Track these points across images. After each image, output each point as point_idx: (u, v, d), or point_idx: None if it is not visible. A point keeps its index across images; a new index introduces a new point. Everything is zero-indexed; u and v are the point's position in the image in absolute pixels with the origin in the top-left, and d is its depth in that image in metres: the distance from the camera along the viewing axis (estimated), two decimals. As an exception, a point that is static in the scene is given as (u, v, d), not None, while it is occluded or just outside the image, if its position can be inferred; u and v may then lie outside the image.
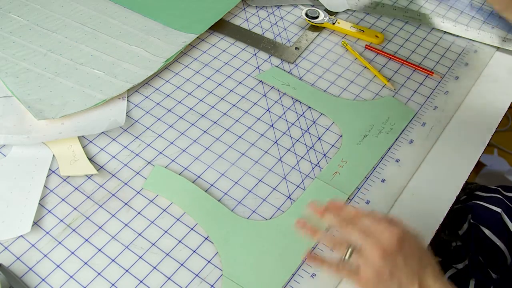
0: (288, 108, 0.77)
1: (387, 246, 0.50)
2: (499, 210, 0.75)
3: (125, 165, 0.69)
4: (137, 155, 0.70)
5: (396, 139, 0.74)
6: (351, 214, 0.55)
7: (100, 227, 0.62)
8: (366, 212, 0.55)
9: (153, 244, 0.61)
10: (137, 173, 0.68)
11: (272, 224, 0.64)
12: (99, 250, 0.61)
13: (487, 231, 0.74)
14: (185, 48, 0.83)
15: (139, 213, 0.64)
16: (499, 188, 0.80)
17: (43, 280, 0.58)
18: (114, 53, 0.81)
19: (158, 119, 0.74)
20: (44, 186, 0.66)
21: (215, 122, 0.74)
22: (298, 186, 0.68)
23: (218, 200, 0.66)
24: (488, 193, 0.79)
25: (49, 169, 0.67)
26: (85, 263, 0.59)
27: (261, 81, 0.80)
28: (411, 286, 0.50)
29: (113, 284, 0.58)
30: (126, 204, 0.65)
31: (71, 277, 0.58)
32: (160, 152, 0.70)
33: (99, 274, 0.59)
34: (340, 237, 0.54)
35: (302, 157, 0.71)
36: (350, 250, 0.52)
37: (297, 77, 0.81)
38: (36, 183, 0.65)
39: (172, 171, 0.68)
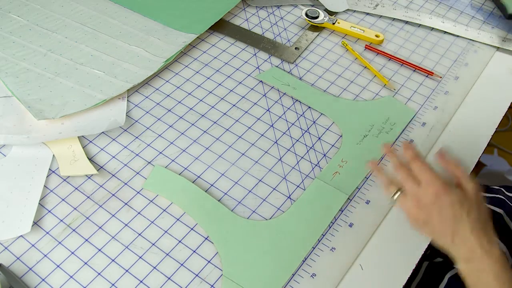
0: (288, 108, 0.77)
1: (423, 200, 0.55)
2: (501, 211, 0.75)
3: (125, 165, 0.69)
4: (137, 155, 0.70)
5: (396, 139, 0.74)
6: (406, 154, 0.59)
7: (100, 227, 0.62)
8: (415, 157, 0.58)
9: (153, 244, 0.61)
10: (137, 173, 0.68)
11: (272, 224, 0.64)
12: (99, 250, 0.61)
13: None
14: (185, 48, 0.83)
15: (139, 213, 0.64)
16: (501, 189, 0.80)
17: (43, 280, 0.58)
18: (114, 53, 0.81)
19: (158, 119, 0.74)
20: (44, 186, 0.66)
21: (215, 122, 0.74)
22: (298, 186, 0.68)
23: (218, 200, 0.66)
24: (490, 194, 0.79)
25: (49, 169, 0.67)
26: (85, 263, 0.59)
27: (261, 81, 0.80)
28: (444, 236, 0.54)
29: (113, 284, 0.58)
30: (126, 204, 0.65)
31: (71, 277, 0.58)
32: (160, 152, 0.70)
33: (99, 274, 0.59)
34: (393, 179, 0.59)
35: (302, 157, 0.71)
36: (398, 191, 0.58)
37: (297, 77, 0.81)
38: (36, 183, 0.65)
39: (172, 171, 0.68)
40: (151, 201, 0.65)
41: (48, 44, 0.81)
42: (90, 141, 0.71)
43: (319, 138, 0.73)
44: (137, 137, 0.72)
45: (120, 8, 0.89)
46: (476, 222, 0.54)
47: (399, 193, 0.58)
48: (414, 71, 0.83)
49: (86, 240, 0.61)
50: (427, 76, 0.83)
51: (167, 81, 0.79)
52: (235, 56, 0.84)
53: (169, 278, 0.59)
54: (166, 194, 0.65)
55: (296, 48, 0.86)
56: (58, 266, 0.59)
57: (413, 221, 0.57)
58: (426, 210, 0.55)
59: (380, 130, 0.74)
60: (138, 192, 0.66)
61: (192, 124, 0.74)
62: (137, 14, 0.88)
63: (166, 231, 0.63)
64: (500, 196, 0.77)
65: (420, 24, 0.92)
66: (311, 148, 0.72)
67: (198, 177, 0.68)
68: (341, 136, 0.74)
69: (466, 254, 0.53)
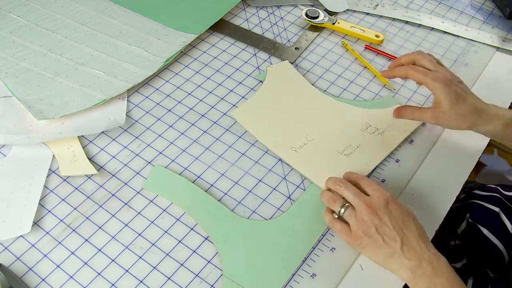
0: (288, 108, 0.77)
1: (375, 205, 0.57)
2: (497, 209, 0.75)
3: (125, 165, 0.69)
4: (137, 155, 0.70)
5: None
6: (351, 178, 0.63)
7: (100, 227, 0.62)
8: (361, 176, 0.63)
9: (153, 244, 0.61)
10: (137, 173, 0.68)
11: (272, 224, 0.64)
12: (99, 250, 0.61)
13: (485, 230, 0.74)
14: (185, 48, 0.83)
15: (139, 213, 0.64)
16: (498, 187, 0.80)
17: (43, 280, 0.58)
18: (114, 53, 0.81)
19: (158, 119, 0.74)
20: (44, 186, 0.66)
21: (215, 122, 0.74)
22: (298, 186, 0.68)
23: (218, 200, 0.66)
24: (487, 192, 0.79)
25: (49, 169, 0.67)
26: (85, 263, 0.59)
27: (261, 81, 0.80)
28: (394, 242, 0.56)
29: (113, 284, 0.58)
30: (126, 204, 0.65)
31: (71, 277, 0.58)
32: (160, 152, 0.70)
33: (99, 274, 0.59)
34: (335, 196, 0.61)
35: (302, 157, 0.71)
36: (344, 206, 0.59)
37: (297, 77, 0.81)
38: (36, 183, 0.66)
39: (172, 171, 0.68)
40: (151, 201, 0.65)
41: (48, 44, 0.81)
42: (90, 141, 0.71)
43: (319, 138, 0.73)
44: (137, 137, 0.72)
45: (120, 8, 0.89)
46: (421, 229, 0.58)
47: (345, 206, 0.60)
48: (414, 71, 0.83)
49: (86, 240, 0.61)
50: (427, 76, 0.83)
51: (167, 81, 0.79)
52: (235, 56, 0.84)
53: (169, 278, 0.59)
54: (166, 194, 0.65)
55: (296, 48, 0.86)
56: (58, 266, 0.59)
57: (361, 232, 0.57)
58: (379, 217, 0.57)
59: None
60: (138, 192, 0.66)
61: (192, 124, 0.74)
62: (137, 14, 0.88)
63: (166, 231, 0.63)
64: (496, 195, 0.78)
65: (420, 24, 0.92)
66: (311, 148, 0.72)
67: (198, 177, 0.68)
68: (341, 136, 0.74)
69: (415, 261, 0.55)
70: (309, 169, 0.68)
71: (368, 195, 0.59)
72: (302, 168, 0.68)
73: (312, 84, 0.80)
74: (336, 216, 0.60)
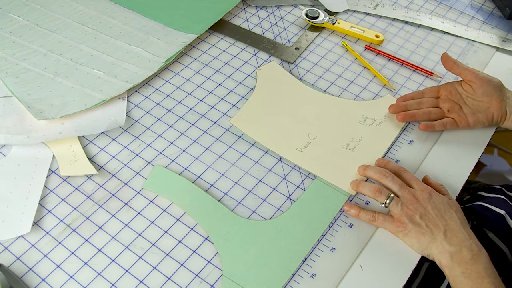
0: (288, 108, 0.77)
1: (419, 196, 0.62)
2: (503, 212, 0.75)
3: (125, 165, 0.69)
4: (137, 155, 0.70)
5: (396, 139, 0.74)
6: (393, 169, 0.66)
7: (100, 227, 0.62)
8: (402, 169, 0.66)
9: (153, 244, 0.61)
10: (137, 173, 0.68)
11: (272, 224, 0.64)
12: (99, 250, 0.61)
13: (490, 234, 0.74)
14: (185, 48, 0.83)
15: (139, 213, 0.64)
16: (502, 188, 0.79)
17: (43, 280, 0.58)
18: (114, 53, 0.81)
19: (158, 119, 0.74)
20: (44, 186, 0.66)
21: (215, 122, 0.74)
22: (298, 186, 0.68)
23: (218, 200, 0.66)
24: (492, 193, 0.79)
25: (49, 169, 0.67)
26: (85, 263, 0.59)
27: (261, 81, 0.80)
28: (437, 228, 0.59)
29: (113, 284, 0.58)
30: (126, 204, 0.65)
31: (71, 277, 0.58)
32: (160, 152, 0.70)
33: (99, 274, 0.59)
34: (380, 187, 0.63)
35: (302, 157, 0.71)
36: (390, 197, 0.62)
37: (297, 77, 0.81)
38: (36, 183, 0.66)
39: (172, 171, 0.68)
40: (151, 201, 0.65)
41: (48, 44, 0.81)
42: (90, 141, 0.71)
43: (319, 138, 0.73)
44: (137, 137, 0.72)
45: (120, 8, 0.89)
46: (463, 219, 0.61)
47: (391, 197, 0.62)
48: (414, 71, 0.84)
49: (86, 240, 0.61)
50: (427, 76, 0.83)
51: (167, 81, 0.79)
52: (235, 56, 0.84)
53: (169, 278, 0.59)
54: (166, 194, 0.65)
55: (296, 48, 0.86)
56: (58, 266, 0.59)
57: (406, 219, 0.61)
58: (423, 207, 0.61)
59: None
60: (138, 192, 0.66)
61: (192, 124, 0.74)
62: (137, 14, 0.88)
63: (166, 231, 0.63)
64: (501, 197, 0.77)
65: (420, 24, 0.92)
66: (311, 148, 0.72)
67: (198, 177, 0.68)
68: (341, 136, 0.74)
69: (456, 246, 0.58)
70: (320, 168, 0.69)
71: (411, 188, 0.63)
72: (312, 168, 0.69)
73: (312, 84, 0.80)
74: (382, 206, 0.63)
